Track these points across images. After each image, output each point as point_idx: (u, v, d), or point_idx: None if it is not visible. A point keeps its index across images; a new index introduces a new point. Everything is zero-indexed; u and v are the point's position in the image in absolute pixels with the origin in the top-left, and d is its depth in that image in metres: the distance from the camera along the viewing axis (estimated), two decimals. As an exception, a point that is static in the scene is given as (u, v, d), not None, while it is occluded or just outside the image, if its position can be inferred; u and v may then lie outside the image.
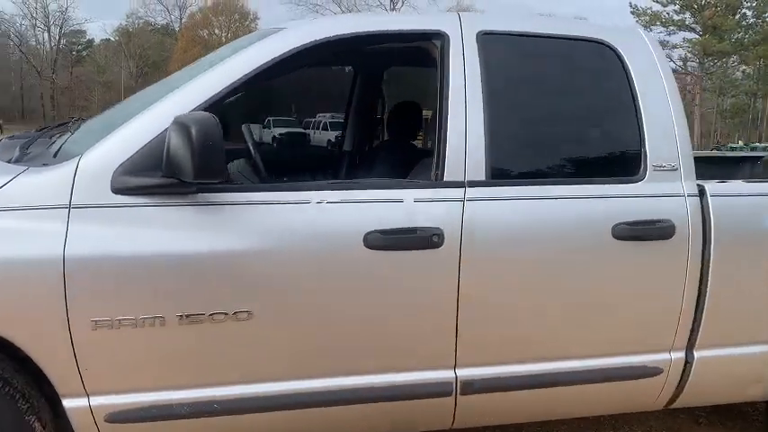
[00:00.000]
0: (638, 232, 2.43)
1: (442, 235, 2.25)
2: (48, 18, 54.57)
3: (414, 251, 2.24)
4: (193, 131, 1.89)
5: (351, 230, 2.20)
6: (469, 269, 2.29)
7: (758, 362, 2.73)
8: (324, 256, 2.19)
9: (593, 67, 2.59)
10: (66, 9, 54.95)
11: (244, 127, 2.64)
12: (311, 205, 2.19)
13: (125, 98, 3.21)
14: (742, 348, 2.69)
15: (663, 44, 47.83)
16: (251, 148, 2.59)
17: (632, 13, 48.04)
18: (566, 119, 2.58)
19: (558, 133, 2.56)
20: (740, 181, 2.67)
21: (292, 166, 3.52)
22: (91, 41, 59.72)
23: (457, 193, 2.31)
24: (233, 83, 2.20)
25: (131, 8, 57.61)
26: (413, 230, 2.24)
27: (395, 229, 2.22)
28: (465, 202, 2.30)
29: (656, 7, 47.51)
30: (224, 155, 1.95)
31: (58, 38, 55.65)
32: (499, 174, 2.38)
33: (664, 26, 48.07)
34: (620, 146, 2.60)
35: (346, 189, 2.27)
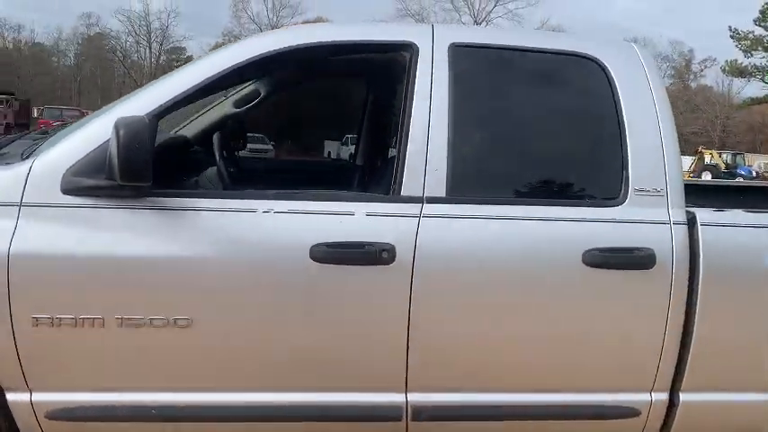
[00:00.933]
0: (611, 260, 2.25)
1: (393, 252, 2.16)
2: (150, 35, 57.91)
3: (361, 266, 2.16)
4: (121, 133, 1.91)
5: (296, 242, 2.15)
6: (422, 289, 2.18)
7: (759, 411, 2.47)
8: (267, 267, 2.15)
9: (576, 82, 2.44)
10: (168, 27, 58.10)
11: (215, 136, 2.66)
12: (257, 214, 2.16)
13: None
14: (740, 395, 2.44)
15: (765, 71, 45.36)
16: (216, 156, 2.60)
17: (732, 36, 45.78)
18: (539, 136, 2.44)
19: (530, 151, 2.43)
20: (740, 210, 2.43)
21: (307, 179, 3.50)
22: (189, 58, 62.72)
23: (413, 208, 2.22)
24: (183, 92, 2.21)
25: (227, 27, 59.90)
26: (361, 245, 2.16)
27: (342, 242, 2.15)
28: (421, 219, 2.21)
29: (759, 31, 45.12)
30: (150, 158, 1.94)
31: (158, 54, 58.86)
32: (461, 191, 2.26)
33: (766, 51, 45.52)
34: (598, 167, 2.43)
35: (295, 199, 2.22)
